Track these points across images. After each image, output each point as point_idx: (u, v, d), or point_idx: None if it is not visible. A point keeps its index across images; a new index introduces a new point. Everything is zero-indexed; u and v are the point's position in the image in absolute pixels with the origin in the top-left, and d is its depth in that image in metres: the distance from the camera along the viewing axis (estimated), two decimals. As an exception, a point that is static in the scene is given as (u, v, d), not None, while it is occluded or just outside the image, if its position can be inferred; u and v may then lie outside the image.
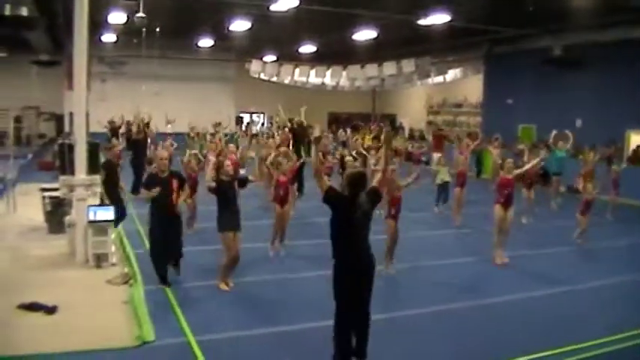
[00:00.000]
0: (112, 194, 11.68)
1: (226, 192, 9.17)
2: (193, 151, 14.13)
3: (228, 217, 9.13)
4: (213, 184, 9.08)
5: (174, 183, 9.31)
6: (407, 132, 33.62)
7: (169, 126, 23.84)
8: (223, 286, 9.22)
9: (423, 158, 26.31)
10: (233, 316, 8.15)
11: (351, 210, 6.19)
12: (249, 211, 12.64)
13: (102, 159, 12.06)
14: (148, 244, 9.91)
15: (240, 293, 9.06)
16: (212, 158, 11.30)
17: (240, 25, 22.20)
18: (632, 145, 21.94)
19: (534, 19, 20.45)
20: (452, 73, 29.90)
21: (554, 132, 18.35)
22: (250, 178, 10.42)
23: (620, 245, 13.32)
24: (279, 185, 11.39)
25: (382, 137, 11.58)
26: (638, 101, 20.99)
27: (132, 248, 11.28)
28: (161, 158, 9.57)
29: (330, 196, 6.25)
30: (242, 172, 13.49)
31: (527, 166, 12.48)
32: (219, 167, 9.33)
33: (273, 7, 18.20)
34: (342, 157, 15.30)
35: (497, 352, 7.12)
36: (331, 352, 6.37)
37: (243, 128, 29.02)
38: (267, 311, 8.43)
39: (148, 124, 21.08)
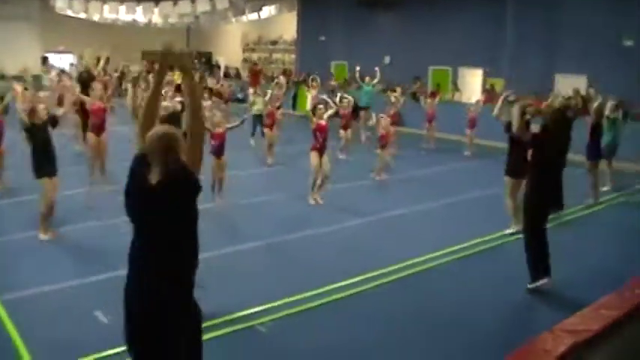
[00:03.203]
0: None
1: (41, 136, 8.83)
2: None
3: (45, 162, 8.79)
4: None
5: None
6: (222, 70, 33.44)
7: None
8: (43, 236, 8.90)
9: (240, 96, 26.46)
10: (46, 269, 7.77)
11: None
12: (67, 157, 12.10)
13: None
14: None
15: (58, 244, 8.77)
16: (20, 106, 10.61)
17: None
18: (435, 81, 23.49)
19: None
20: (266, 10, 29.98)
21: (357, 68, 19.27)
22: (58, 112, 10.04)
23: (425, 175, 14.42)
24: (93, 113, 11.11)
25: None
26: (439, 40, 22.42)
27: None
28: None
29: None
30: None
31: (331, 110, 12.38)
32: (32, 112, 8.92)
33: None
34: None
35: (320, 279, 7.52)
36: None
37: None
38: (89, 260, 8.17)
39: None
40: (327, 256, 8.62)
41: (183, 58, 4.07)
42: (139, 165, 3.75)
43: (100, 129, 11.15)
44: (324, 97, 14.91)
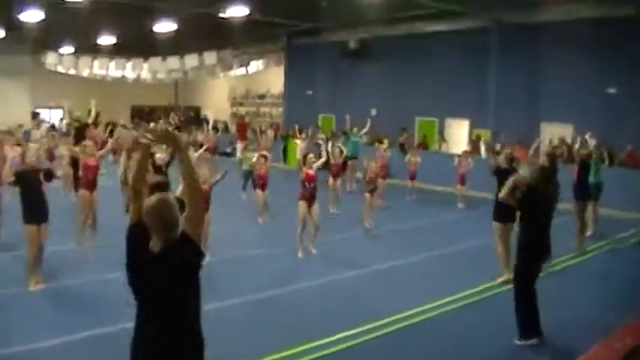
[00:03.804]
0: None
1: (30, 182, 8.84)
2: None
3: (33, 208, 8.78)
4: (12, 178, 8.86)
5: None
6: (211, 124, 33.66)
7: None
8: (33, 286, 8.81)
9: (228, 150, 26.60)
10: (34, 326, 7.66)
11: None
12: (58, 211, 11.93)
13: None
14: None
15: (46, 299, 8.67)
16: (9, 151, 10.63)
17: (32, 15, 20.75)
18: (422, 132, 23.73)
19: (329, 13, 21.51)
20: (254, 65, 30.47)
21: (348, 117, 19.54)
22: (59, 173, 10.07)
23: (414, 227, 14.41)
24: (86, 169, 10.99)
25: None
26: (425, 91, 22.76)
27: None
28: None
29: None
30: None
31: (322, 159, 12.45)
32: (22, 157, 9.01)
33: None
34: None
35: (311, 333, 7.43)
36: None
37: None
38: (78, 316, 8.01)
39: None
40: (318, 311, 8.53)
41: (168, 135, 4.35)
42: (137, 234, 3.75)
43: (93, 185, 11.01)
44: (320, 141, 14.77)
